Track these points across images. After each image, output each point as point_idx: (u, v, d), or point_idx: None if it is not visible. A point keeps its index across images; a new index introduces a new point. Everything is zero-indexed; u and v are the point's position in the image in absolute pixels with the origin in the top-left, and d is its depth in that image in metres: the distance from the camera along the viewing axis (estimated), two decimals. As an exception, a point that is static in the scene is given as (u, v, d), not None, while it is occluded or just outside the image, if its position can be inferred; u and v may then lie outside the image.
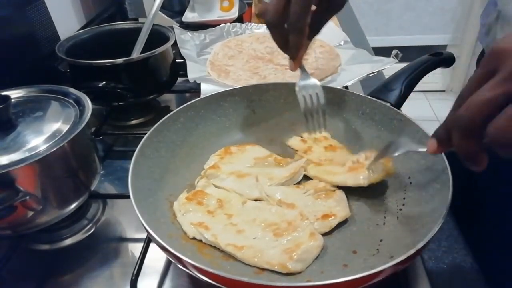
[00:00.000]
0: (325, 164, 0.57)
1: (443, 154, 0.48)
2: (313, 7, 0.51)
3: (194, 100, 0.61)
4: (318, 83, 0.57)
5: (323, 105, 0.57)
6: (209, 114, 0.62)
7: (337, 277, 0.34)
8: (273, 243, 0.45)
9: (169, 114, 0.58)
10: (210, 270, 0.36)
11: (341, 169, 0.55)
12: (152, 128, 0.55)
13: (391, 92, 0.59)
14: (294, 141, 0.63)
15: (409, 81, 0.60)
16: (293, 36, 0.51)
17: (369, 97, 0.60)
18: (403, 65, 0.62)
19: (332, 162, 0.57)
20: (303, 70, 0.58)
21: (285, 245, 0.45)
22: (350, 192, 0.53)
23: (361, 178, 0.52)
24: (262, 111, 0.65)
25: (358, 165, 0.54)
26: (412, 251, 0.36)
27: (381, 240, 0.46)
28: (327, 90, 0.64)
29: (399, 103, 0.59)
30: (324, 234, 0.47)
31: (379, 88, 0.62)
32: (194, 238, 0.47)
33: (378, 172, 0.52)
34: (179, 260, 0.38)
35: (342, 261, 0.44)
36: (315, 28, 0.54)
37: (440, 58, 0.62)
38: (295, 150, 0.62)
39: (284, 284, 0.34)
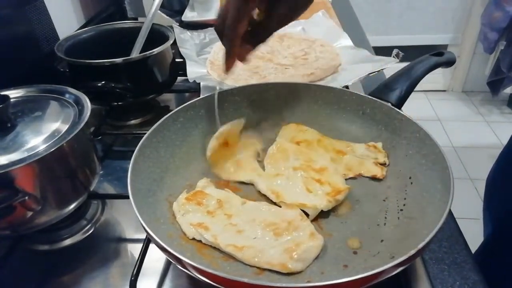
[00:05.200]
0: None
1: (444, 154, 0.48)
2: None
3: (194, 100, 0.61)
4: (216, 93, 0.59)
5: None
6: (209, 114, 0.62)
7: (338, 277, 0.34)
8: (273, 242, 0.45)
9: (168, 114, 0.57)
10: (210, 270, 0.35)
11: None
12: (152, 128, 0.54)
13: (391, 92, 0.59)
14: None
15: (410, 81, 0.59)
16: (224, 42, 0.52)
17: (370, 97, 0.60)
18: (404, 64, 0.62)
19: None
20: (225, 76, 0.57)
21: (285, 244, 0.44)
22: (350, 192, 0.53)
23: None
24: (262, 111, 0.65)
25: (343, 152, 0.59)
26: (413, 252, 0.36)
27: (381, 241, 0.46)
28: (327, 90, 0.64)
29: (400, 103, 0.58)
30: (324, 235, 0.46)
31: (380, 88, 0.62)
32: (193, 239, 0.47)
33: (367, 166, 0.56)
34: (179, 261, 0.38)
35: (343, 262, 0.44)
36: (258, 38, 0.53)
37: (441, 57, 0.62)
38: None
39: (284, 285, 0.34)
